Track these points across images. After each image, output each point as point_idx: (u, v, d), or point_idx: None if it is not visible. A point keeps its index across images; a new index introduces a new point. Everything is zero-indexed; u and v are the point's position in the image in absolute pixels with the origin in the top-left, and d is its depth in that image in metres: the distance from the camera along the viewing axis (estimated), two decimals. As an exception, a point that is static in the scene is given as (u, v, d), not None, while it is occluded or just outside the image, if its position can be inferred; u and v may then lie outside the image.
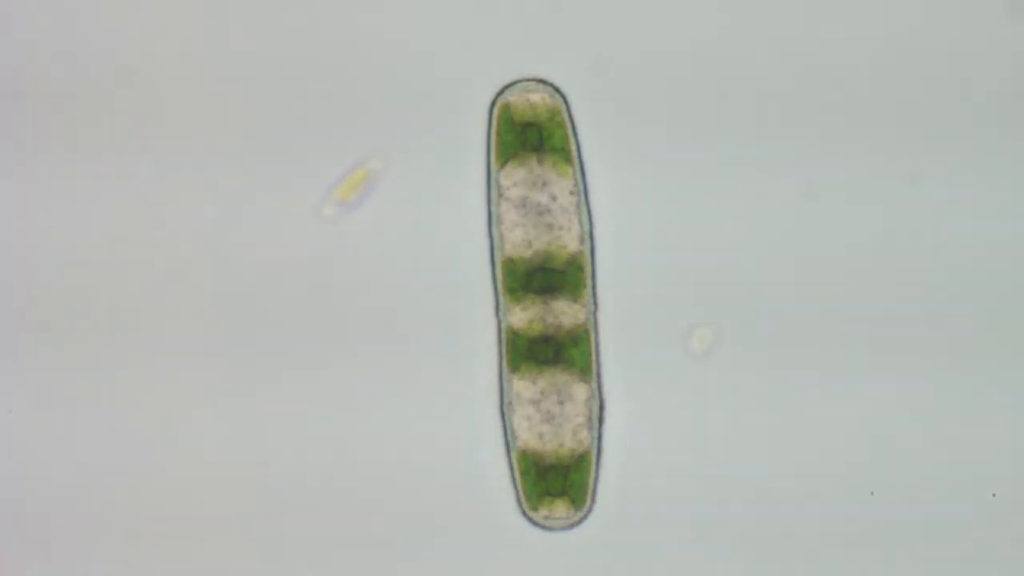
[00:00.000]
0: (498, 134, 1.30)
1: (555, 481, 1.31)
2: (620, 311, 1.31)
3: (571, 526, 1.32)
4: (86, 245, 1.31)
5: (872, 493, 1.30)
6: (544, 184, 1.29)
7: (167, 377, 1.31)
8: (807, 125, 1.30)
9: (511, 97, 1.30)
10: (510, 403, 1.31)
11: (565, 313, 1.30)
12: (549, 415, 1.30)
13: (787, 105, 1.30)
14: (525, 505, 1.31)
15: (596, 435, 1.31)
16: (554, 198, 1.29)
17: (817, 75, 1.30)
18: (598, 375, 1.31)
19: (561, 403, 1.30)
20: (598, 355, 1.31)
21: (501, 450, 1.32)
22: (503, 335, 1.31)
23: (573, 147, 1.30)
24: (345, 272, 1.32)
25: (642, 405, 1.31)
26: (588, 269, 1.30)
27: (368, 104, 1.31)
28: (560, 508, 1.31)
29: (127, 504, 1.31)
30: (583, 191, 1.30)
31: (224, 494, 1.31)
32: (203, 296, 1.31)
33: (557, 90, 1.30)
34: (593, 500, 1.31)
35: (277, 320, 1.31)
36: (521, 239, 1.30)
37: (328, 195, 1.31)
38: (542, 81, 1.30)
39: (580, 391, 1.30)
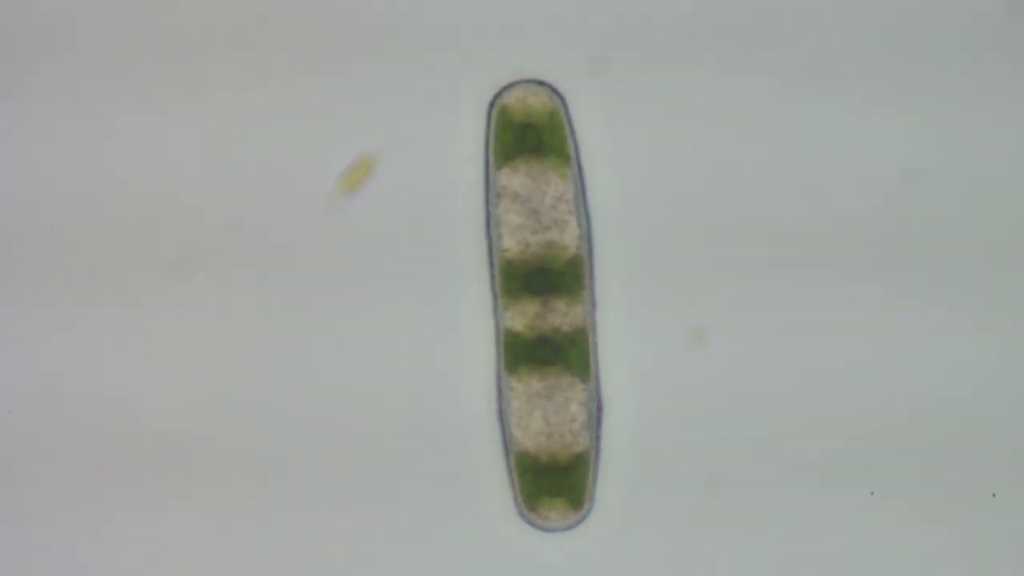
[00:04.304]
0: (497, 135, 1.30)
1: (553, 482, 1.31)
2: (619, 311, 1.32)
3: (569, 527, 1.32)
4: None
5: (872, 493, 1.30)
6: (543, 184, 1.30)
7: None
8: (808, 124, 1.30)
9: (508, 99, 1.31)
10: (508, 404, 1.31)
11: (563, 314, 1.29)
12: (547, 416, 1.30)
13: (786, 104, 1.30)
14: (523, 506, 1.31)
15: (594, 435, 1.31)
16: (553, 198, 1.30)
17: (817, 78, 1.31)
18: (596, 376, 1.31)
19: (559, 404, 1.30)
20: (596, 356, 1.31)
21: (499, 451, 1.32)
22: (501, 336, 1.31)
23: (571, 147, 1.31)
24: (343, 266, 1.32)
25: (642, 404, 1.31)
26: (586, 269, 1.30)
27: (367, 102, 1.32)
28: (558, 509, 1.31)
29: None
30: (581, 191, 1.30)
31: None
32: (197, 280, 1.32)
33: (555, 91, 1.31)
34: (592, 501, 1.31)
35: (278, 319, 1.32)
36: (519, 240, 1.30)
37: (332, 186, 1.32)
38: (541, 82, 1.31)
39: (578, 392, 1.30)
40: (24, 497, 1.32)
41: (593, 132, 1.32)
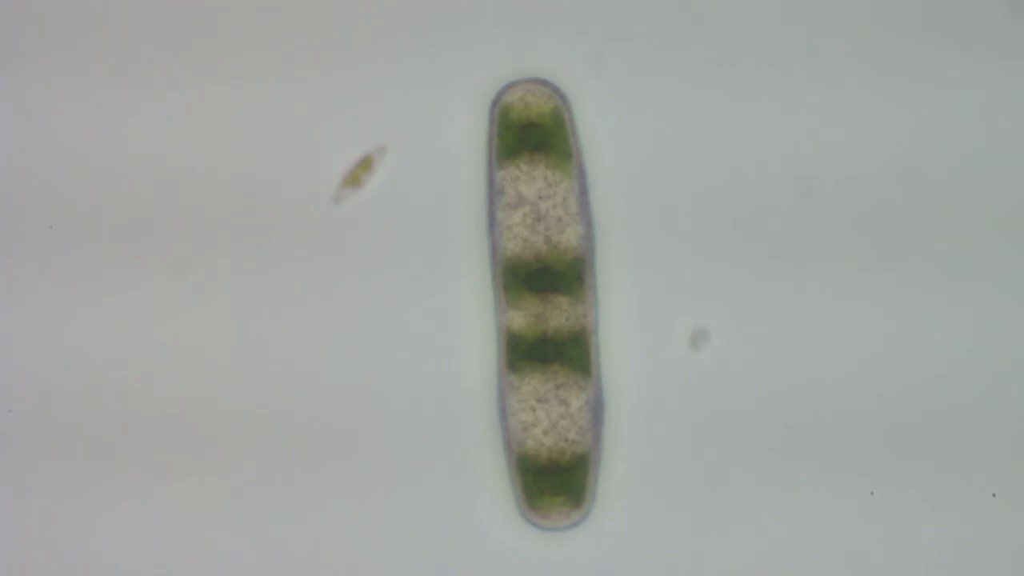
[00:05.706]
0: (498, 133, 1.30)
1: (554, 481, 1.31)
2: (620, 310, 1.32)
3: (570, 526, 1.32)
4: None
5: (872, 493, 1.30)
6: (545, 184, 1.29)
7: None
8: (810, 123, 1.30)
9: (510, 98, 1.30)
10: (509, 403, 1.31)
11: (565, 313, 1.29)
12: (548, 415, 1.30)
13: (788, 103, 1.30)
14: (524, 505, 1.31)
15: (595, 435, 1.31)
16: (554, 198, 1.29)
17: (818, 77, 1.31)
18: (597, 375, 1.31)
19: (560, 403, 1.30)
20: (598, 355, 1.31)
21: (499, 450, 1.32)
22: (502, 335, 1.31)
23: (573, 147, 1.30)
24: (344, 265, 1.32)
25: (642, 403, 1.32)
26: (588, 269, 1.30)
27: (368, 101, 1.31)
28: (559, 508, 1.31)
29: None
30: (583, 190, 1.30)
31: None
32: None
33: (557, 89, 1.30)
34: (593, 500, 1.31)
35: (278, 318, 1.31)
36: (520, 239, 1.30)
37: (332, 184, 1.32)
38: (543, 81, 1.30)
39: (579, 391, 1.30)
40: (25, 497, 1.32)
41: (595, 131, 1.31)
